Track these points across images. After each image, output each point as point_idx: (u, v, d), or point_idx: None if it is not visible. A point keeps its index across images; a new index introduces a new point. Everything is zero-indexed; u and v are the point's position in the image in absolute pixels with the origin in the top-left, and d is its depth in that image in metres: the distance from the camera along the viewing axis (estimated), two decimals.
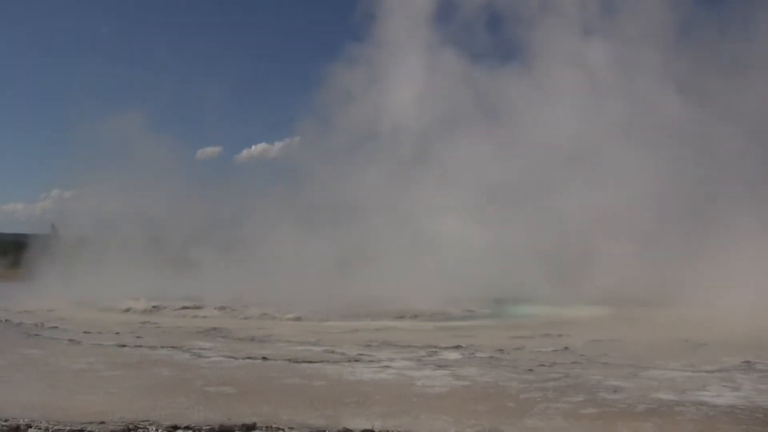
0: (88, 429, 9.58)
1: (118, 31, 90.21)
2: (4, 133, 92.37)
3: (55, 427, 9.65)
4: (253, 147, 78.31)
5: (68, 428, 9.62)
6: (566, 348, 16.00)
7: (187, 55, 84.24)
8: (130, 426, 9.62)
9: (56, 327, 21.00)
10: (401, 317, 23.23)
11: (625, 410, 10.07)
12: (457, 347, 16.29)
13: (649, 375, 12.65)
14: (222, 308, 25.44)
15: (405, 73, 37.10)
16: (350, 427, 9.36)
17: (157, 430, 9.56)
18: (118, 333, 19.42)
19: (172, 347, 16.55)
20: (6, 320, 22.90)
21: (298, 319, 23.23)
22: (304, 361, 14.43)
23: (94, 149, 44.64)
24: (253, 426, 9.57)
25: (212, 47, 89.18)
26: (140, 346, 16.88)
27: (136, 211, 42.19)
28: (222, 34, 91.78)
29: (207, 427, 9.53)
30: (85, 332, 19.60)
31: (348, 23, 76.82)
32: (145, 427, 9.61)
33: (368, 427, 9.34)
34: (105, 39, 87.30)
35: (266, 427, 9.54)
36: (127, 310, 26.37)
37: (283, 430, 9.42)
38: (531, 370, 13.27)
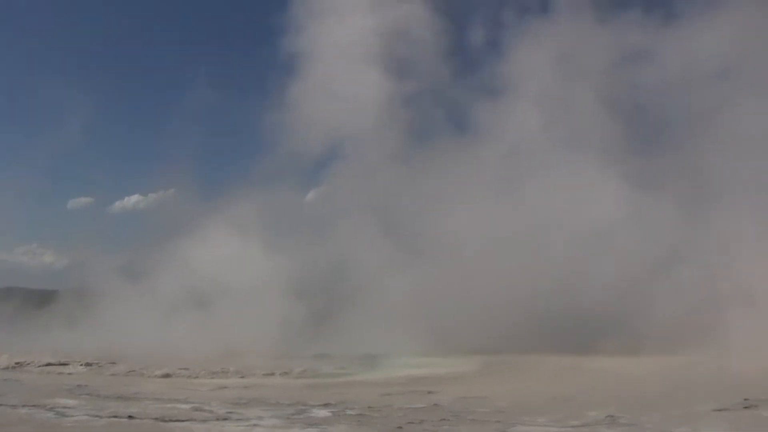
0: None
1: None
2: None
3: None
4: (126, 198, 76.30)
5: None
6: (435, 405, 16.29)
7: (57, 104, 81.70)
8: None
9: None
10: (271, 374, 23.13)
11: None
12: (327, 405, 16.38)
13: (517, 431, 13.05)
14: (89, 365, 24.77)
15: None
16: None
17: None
18: None
19: (34, 406, 16.07)
20: None
21: (166, 375, 22.86)
22: (171, 420, 14.28)
23: None
24: None
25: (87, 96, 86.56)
26: (0, 404, 16.33)
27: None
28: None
29: None
30: None
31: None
32: None
33: None
34: None
35: None
36: None
37: None
38: (400, 427, 13.51)
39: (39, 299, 37.83)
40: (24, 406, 16.10)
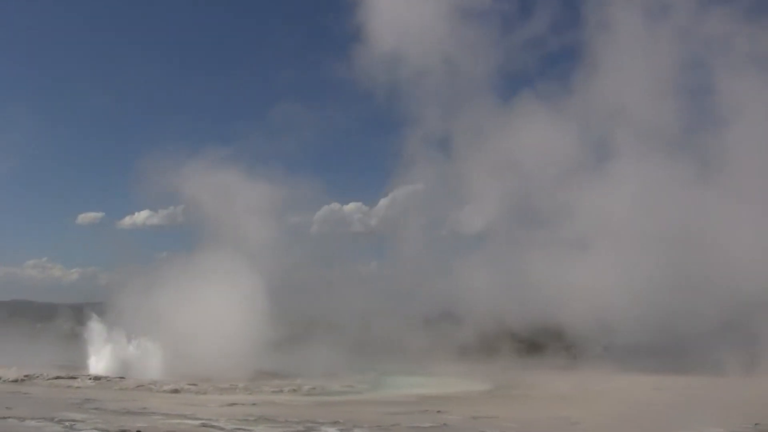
0: None
1: None
2: None
3: None
4: (136, 214, 76.79)
5: None
6: (444, 424, 16.22)
7: (68, 119, 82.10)
8: None
9: None
10: (279, 391, 23.11)
11: None
12: (335, 423, 16.31)
13: None
14: (97, 378, 24.81)
15: None
16: None
17: None
18: None
19: (43, 419, 16.05)
20: None
21: (175, 391, 22.85)
22: None
23: None
24: None
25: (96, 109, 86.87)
26: (8, 417, 16.29)
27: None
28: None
29: None
30: None
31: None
32: None
33: None
34: None
35: None
36: None
37: None
38: None
39: (49, 312, 37.87)
40: (32, 419, 16.09)
